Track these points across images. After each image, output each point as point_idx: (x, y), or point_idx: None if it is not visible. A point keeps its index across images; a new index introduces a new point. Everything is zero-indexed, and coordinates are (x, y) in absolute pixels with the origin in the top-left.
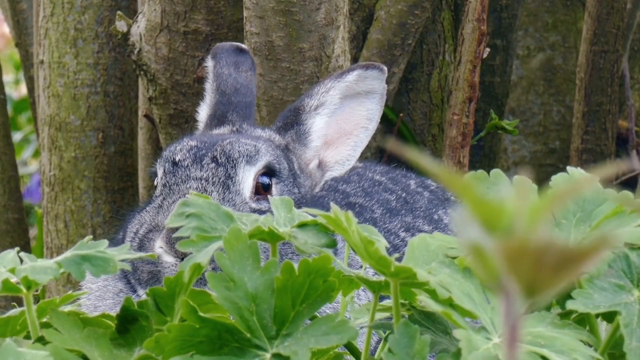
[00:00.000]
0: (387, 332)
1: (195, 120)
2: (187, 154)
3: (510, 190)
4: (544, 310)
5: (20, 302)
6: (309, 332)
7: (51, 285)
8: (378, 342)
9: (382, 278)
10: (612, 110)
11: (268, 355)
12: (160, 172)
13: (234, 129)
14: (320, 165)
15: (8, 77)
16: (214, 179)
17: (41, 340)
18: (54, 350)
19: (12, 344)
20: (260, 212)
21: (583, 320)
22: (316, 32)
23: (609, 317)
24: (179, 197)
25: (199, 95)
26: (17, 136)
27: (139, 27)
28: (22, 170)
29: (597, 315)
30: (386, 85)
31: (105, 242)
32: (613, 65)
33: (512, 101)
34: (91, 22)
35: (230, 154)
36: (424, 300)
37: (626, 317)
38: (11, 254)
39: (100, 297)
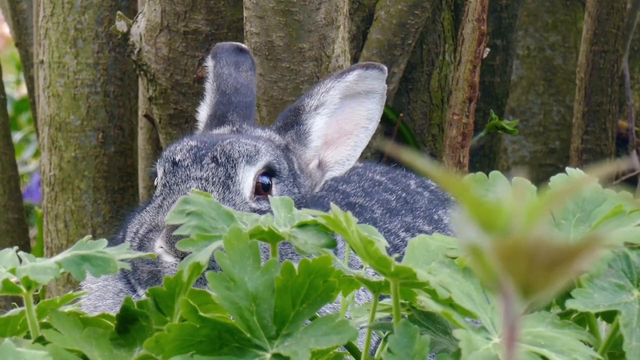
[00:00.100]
0: (387, 332)
1: (195, 120)
2: (187, 154)
3: (507, 191)
4: (544, 310)
5: (20, 302)
6: (309, 332)
7: (51, 285)
8: (378, 342)
9: (382, 278)
10: (612, 110)
11: (268, 355)
12: (160, 172)
13: (234, 129)
14: (320, 165)
15: (9, 77)
16: (214, 179)
17: (41, 340)
18: (54, 350)
19: (11, 344)
20: (260, 212)
21: (583, 320)
22: (316, 32)
23: (609, 316)
24: (179, 197)
25: (199, 95)
26: (17, 136)
27: (139, 27)
28: (22, 170)
29: (596, 315)
30: (386, 85)
31: (105, 241)
32: (613, 65)
33: (512, 101)
34: (91, 22)
35: (230, 154)
36: (424, 301)
37: (626, 317)
38: (10, 252)
39: (100, 297)
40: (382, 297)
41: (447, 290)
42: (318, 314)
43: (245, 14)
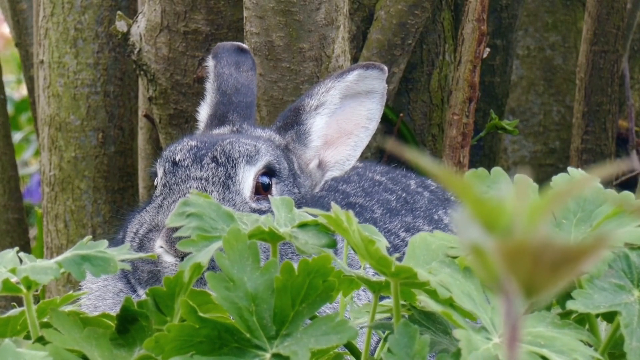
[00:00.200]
0: (387, 332)
1: (195, 120)
2: (187, 154)
3: (509, 190)
4: (544, 310)
5: (20, 302)
6: (308, 332)
7: (51, 285)
8: (378, 342)
9: (383, 278)
10: (612, 110)
11: (268, 355)
12: (160, 172)
13: (235, 129)
14: (321, 165)
15: (9, 77)
16: (214, 179)
17: (41, 340)
18: (54, 350)
19: (11, 344)
20: (261, 212)
21: (583, 320)
22: (316, 32)
23: (609, 317)
24: (179, 197)
25: (199, 95)
26: (17, 136)
27: (139, 27)
28: (22, 170)
29: (597, 315)
30: (386, 85)
31: (105, 242)
32: (613, 65)
33: (512, 101)
34: (91, 22)
35: (231, 154)
36: (424, 300)
37: (626, 317)
38: (10, 253)
39: (100, 297)
40: (382, 298)
41: (448, 290)
42: (318, 314)
43: (245, 14)
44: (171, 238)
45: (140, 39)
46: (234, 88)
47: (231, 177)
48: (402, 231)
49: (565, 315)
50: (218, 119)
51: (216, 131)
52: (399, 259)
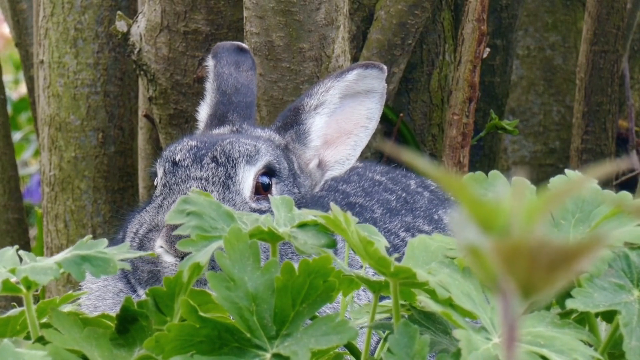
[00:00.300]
0: (387, 332)
1: (195, 120)
2: (187, 154)
3: (506, 191)
4: (544, 310)
5: (20, 302)
6: (309, 332)
7: (51, 285)
8: (378, 342)
9: (382, 278)
10: (612, 110)
11: (268, 355)
12: (160, 172)
13: (234, 128)
14: (320, 165)
15: (8, 77)
16: (214, 179)
17: (41, 340)
18: (54, 350)
19: (10, 344)
20: (260, 212)
21: (583, 320)
22: (316, 32)
23: (609, 316)
24: (179, 197)
25: (199, 95)
26: (17, 136)
27: (139, 27)
28: (22, 170)
29: (596, 315)
30: (386, 85)
31: (105, 241)
32: (613, 65)
33: (512, 101)
34: (91, 22)
35: (230, 154)
36: (423, 301)
37: (626, 317)
38: (10, 251)
39: (100, 297)
40: (382, 298)
41: (447, 290)
42: (318, 314)
43: (245, 14)
44: (171, 238)
45: (140, 39)
46: (233, 88)
47: (231, 177)
48: (402, 231)
49: (565, 314)
50: (218, 118)
51: (216, 131)
52: (399, 259)
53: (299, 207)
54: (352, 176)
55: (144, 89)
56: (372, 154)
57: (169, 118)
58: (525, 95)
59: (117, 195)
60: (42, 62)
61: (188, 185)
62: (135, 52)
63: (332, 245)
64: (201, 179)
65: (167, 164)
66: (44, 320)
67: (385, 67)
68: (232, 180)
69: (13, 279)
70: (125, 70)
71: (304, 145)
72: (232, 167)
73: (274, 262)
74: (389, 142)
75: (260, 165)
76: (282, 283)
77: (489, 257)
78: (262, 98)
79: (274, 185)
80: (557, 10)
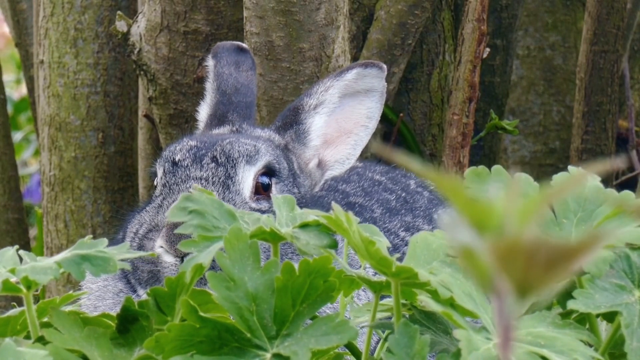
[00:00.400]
0: (387, 331)
1: (195, 120)
2: (187, 154)
3: (500, 190)
4: (545, 310)
5: (20, 302)
6: (309, 332)
7: (51, 285)
8: (378, 342)
9: (383, 278)
10: (612, 110)
11: (268, 355)
12: (160, 172)
13: (234, 128)
14: (320, 165)
15: (8, 77)
16: (213, 179)
17: (41, 340)
18: (54, 350)
19: (12, 343)
20: (260, 212)
21: (583, 320)
22: (316, 32)
23: (610, 317)
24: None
25: (199, 95)
26: (17, 136)
27: (139, 27)
28: (22, 170)
29: (597, 316)
30: (386, 84)
31: (105, 241)
32: (613, 65)
33: (512, 101)
34: (91, 22)
35: (230, 154)
36: (424, 300)
37: (627, 318)
38: (10, 251)
39: (100, 297)
40: (382, 297)
41: (449, 290)
42: (318, 314)
43: (245, 14)
44: (171, 238)
45: (140, 39)
46: (233, 88)
47: (231, 177)
48: (402, 231)
49: (566, 315)
50: (218, 118)
51: (216, 131)
52: (399, 259)
53: (299, 207)
54: (351, 176)
55: (144, 89)
56: (372, 154)
57: (169, 118)
58: (525, 95)
59: (117, 195)
60: (42, 62)
61: (188, 185)
62: (135, 52)
63: (334, 245)
64: (201, 179)
65: (167, 164)
66: (44, 320)
67: (384, 66)
68: (232, 180)
69: (13, 279)
70: (125, 70)
71: (303, 145)
72: (232, 167)
73: (274, 262)
74: (384, 144)
75: (260, 165)
76: (282, 283)
77: (484, 257)
78: (262, 98)
79: (273, 185)
80: (557, 10)
